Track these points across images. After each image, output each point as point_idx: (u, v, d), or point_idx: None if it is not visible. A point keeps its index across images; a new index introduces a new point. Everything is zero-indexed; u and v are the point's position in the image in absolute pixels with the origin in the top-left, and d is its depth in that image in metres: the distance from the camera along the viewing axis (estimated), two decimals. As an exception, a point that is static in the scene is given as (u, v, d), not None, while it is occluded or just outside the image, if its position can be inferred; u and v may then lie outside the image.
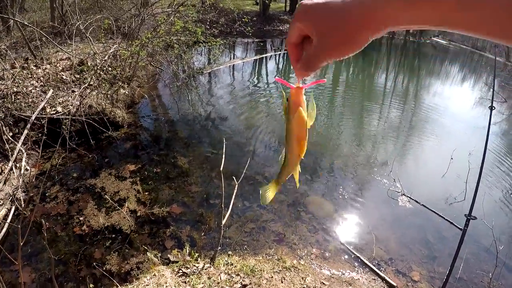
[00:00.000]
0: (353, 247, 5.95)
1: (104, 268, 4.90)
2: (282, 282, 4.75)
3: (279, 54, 20.36)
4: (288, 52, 0.86)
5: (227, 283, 4.44)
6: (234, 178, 4.76)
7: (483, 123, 15.28)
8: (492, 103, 3.94)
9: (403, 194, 7.52)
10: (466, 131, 13.63)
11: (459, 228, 6.64)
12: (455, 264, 6.08)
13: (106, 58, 9.66)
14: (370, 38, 0.70)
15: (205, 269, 4.64)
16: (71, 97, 8.11)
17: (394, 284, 5.37)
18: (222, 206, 4.56)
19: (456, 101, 18.90)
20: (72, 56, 9.51)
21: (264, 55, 18.94)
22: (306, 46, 0.82)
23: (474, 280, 5.98)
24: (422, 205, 7.23)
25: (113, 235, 5.49)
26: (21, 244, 3.08)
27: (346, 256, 5.77)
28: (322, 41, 0.73)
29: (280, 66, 18.77)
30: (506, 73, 31.07)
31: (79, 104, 7.82)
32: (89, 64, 9.54)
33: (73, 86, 8.67)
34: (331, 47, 0.73)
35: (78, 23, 10.29)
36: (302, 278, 4.95)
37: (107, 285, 4.64)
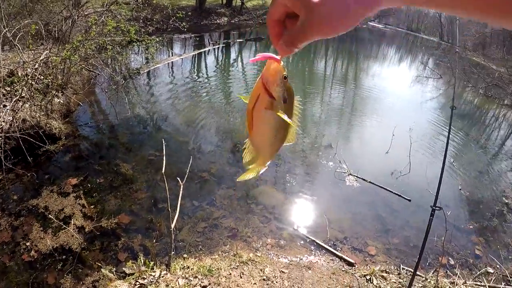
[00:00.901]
0: (308, 232, 6.01)
1: (60, 293, 4.74)
2: (241, 277, 4.73)
3: (218, 48, 20.29)
4: (268, 29, 0.79)
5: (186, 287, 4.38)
6: (179, 179, 4.69)
7: (420, 99, 15.90)
8: (453, 102, 4.04)
9: (350, 174, 7.65)
10: (405, 108, 14.10)
11: (407, 199, 6.86)
12: (409, 234, 6.26)
13: (36, 66, 9.20)
14: (366, 13, 0.65)
15: (162, 276, 4.55)
16: (3, 112, 7.75)
17: (352, 261, 5.46)
18: (169, 209, 4.48)
19: (394, 80, 19.59)
20: (0, 67, 9.08)
21: (202, 50, 18.77)
22: (289, 24, 0.76)
23: (428, 245, 6.13)
24: (370, 182, 7.40)
25: (64, 256, 5.24)
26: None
27: (301, 242, 5.81)
28: (311, 16, 0.67)
29: (220, 59, 18.70)
30: (440, 51, 32.29)
31: (11, 119, 7.47)
32: (19, 74, 9.12)
33: (4, 100, 8.25)
34: (321, 21, 0.67)
35: (5, 31, 9.77)
36: (261, 269, 4.94)
37: (65, 311, 4.49)
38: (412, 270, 5.41)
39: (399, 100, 15.06)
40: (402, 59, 30.71)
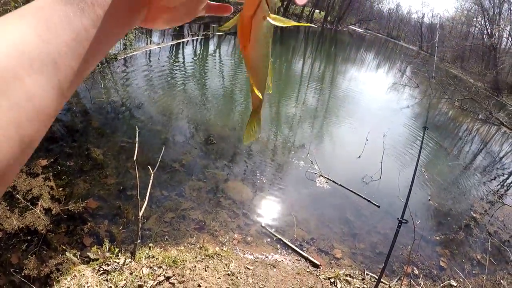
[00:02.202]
0: (275, 230, 6.02)
1: (23, 274, 4.62)
2: (205, 270, 4.72)
3: (197, 39, 20.17)
4: None
5: (150, 277, 4.36)
6: (150, 167, 4.66)
7: (396, 106, 16.07)
8: (426, 122, 4.09)
9: (321, 175, 7.68)
10: (381, 114, 14.23)
11: (376, 205, 6.90)
12: (376, 240, 6.31)
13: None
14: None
15: (126, 264, 4.52)
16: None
17: (317, 262, 5.48)
18: (138, 197, 4.45)
19: (371, 85, 19.76)
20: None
21: (181, 40, 18.63)
22: None
23: (394, 253, 6.21)
24: (340, 185, 7.44)
25: (29, 237, 5.15)
26: None
27: (268, 239, 5.82)
28: None
29: (198, 51, 18.59)
30: (419, 61, 32.74)
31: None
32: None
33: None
34: None
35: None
36: (226, 264, 4.95)
37: (28, 292, 4.42)
38: (376, 277, 5.48)
39: (374, 106, 15.23)
40: (380, 65, 31.07)
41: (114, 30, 0.49)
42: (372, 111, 14.29)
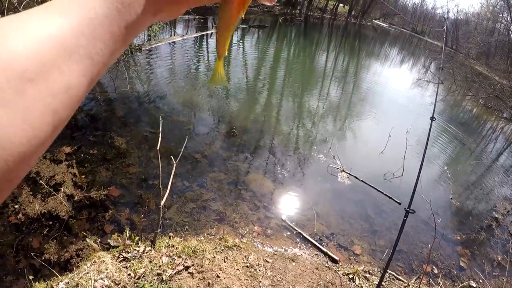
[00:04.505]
0: (295, 224, 6.00)
1: (43, 258, 4.67)
2: (225, 261, 4.73)
3: (220, 32, 20.20)
4: None
5: (169, 266, 4.38)
6: (172, 157, 4.67)
7: (420, 102, 15.83)
8: (433, 113, 4.04)
9: (343, 170, 7.64)
10: (404, 110, 14.09)
11: (397, 202, 6.84)
12: (396, 237, 6.25)
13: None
14: None
15: (146, 252, 4.55)
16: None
17: (337, 258, 5.44)
18: (160, 186, 4.46)
19: (394, 81, 19.55)
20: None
21: (205, 32, 18.66)
22: None
23: (414, 251, 6.16)
24: (362, 180, 7.38)
25: (50, 222, 5.20)
26: None
27: (288, 233, 5.80)
28: None
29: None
30: (444, 57, 32.44)
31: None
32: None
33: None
34: None
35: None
36: (245, 256, 4.94)
37: (47, 276, 4.45)
38: (396, 274, 5.45)
39: (398, 102, 15.08)
40: (404, 61, 30.84)
41: (140, 29, 0.53)
42: (396, 107, 14.17)
